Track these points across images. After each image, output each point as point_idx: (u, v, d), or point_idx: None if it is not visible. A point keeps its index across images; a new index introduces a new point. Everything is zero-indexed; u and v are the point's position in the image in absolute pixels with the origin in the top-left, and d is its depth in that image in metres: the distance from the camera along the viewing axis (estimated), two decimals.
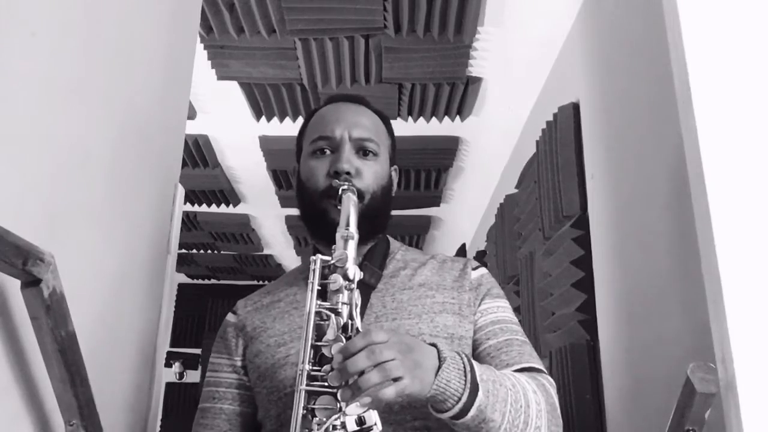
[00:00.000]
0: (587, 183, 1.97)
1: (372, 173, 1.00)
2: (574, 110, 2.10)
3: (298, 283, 1.06)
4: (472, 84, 2.58)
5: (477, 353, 0.97)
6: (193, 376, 6.35)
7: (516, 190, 2.86)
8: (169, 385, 6.24)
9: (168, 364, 6.19)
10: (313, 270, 0.83)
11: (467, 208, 4.02)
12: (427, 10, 2.13)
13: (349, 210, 0.88)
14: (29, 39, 0.84)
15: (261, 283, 6.39)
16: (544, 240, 2.26)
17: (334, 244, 0.85)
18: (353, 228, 0.86)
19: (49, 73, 0.90)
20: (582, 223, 1.96)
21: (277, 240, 5.00)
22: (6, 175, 0.80)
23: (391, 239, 1.10)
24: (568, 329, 1.96)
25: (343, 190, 0.93)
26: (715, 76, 0.99)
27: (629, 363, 1.61)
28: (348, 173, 0.97)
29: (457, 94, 2.64)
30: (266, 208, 4.21)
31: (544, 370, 0.95)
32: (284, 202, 3.94)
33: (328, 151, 1.01)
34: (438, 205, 3.95)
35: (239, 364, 1.03)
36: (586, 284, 1.89)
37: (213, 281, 6.55)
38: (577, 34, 2.16)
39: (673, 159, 1.33)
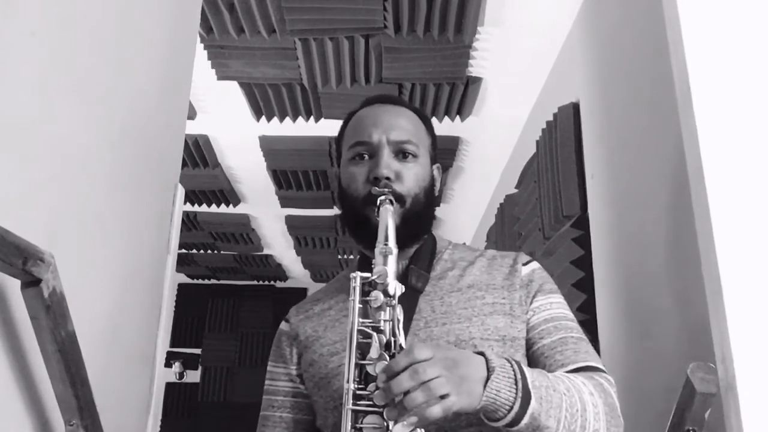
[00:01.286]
0: (587, 183, 1.97)
1: (412, 176, 0.98)
2: (574, 110, 2.10)
3: (346, 290, 1.04)
4: (472, 84, 2.58)
5: (531, 353, 0.95)
6: (193, 376, 6.35)
7: (516, 190, 2.86)
8: (169, 385, 6.24)
9: (168, 364, 6.19)
10: (354, 288, 0.82)
11: (467, 208, 4.02)
12: (427, 10, 2.13)
13: (387, 223, 0.87)
14: (29, 38, 0.84)
15: (261, 283, 6.40)
16: (544, 240, 2.26)
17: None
18: (392, 243, 0.84)
19: (48, 73, 0.90)
20: (582, 223, 1.96)
21: (277, 240, 4.99)
22: (6, 175, 0.80)
23: (438, 237, 1.08)
24: None
25: (380, 200, 0.91)
26: (715, 76, 0.99)
27: (629, 363, 1.61)
28: (388, 178, 0.95)
29: (457, 94, 2.64)
30: (266, 208, 4.21)
31: (602, 367, 0.92)
32: (284, 202, 3.94)
33: (366, 156, 0.99)
34: (438, 205, 3.94)
35: (294, 372, 1.03)
36: (586, 284, 1.89)
37: (213, 281, 6.55)
38: (577, 34, 2.16)
39: (673, 159, 1.33)
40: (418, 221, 0.99)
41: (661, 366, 1.40)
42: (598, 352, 1.80)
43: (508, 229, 2.99)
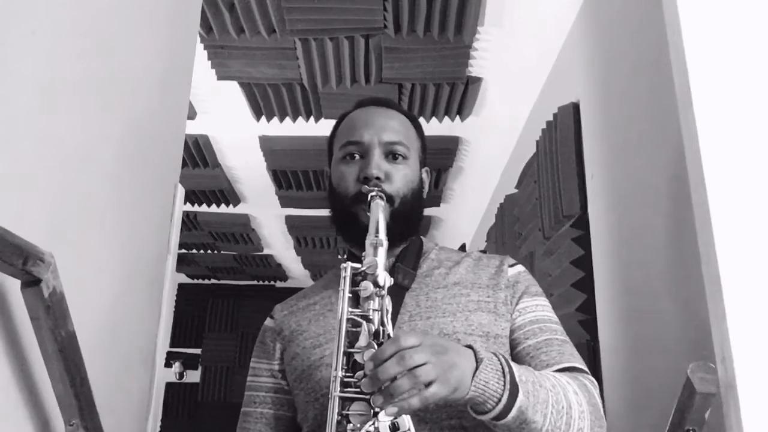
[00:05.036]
0: (587, 183, 1.97)
1: (401, 177, 1.00)
2: (574, 110, 2.10)
3: (333, 286, 1.06)
4: (472, 84, 2.58)
5: (516, 353, 0.95)
6: (193, 376, 6.36)
7: (516, 190, 2.86)
8: (169, 385, 6.24)
9: (168, 364, 6.20)
10: (344, 277, 0.83)
11: (467, 208, 4.02)
12: (427, 10, 2.13)
13: (378, 216, 0.88)
14: (29, 38, 0.84)
15: (261, 283, 6.40)
16: (544, 240, 2.26)
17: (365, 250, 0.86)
18: (382, 235, 0.86)
19: (48, 72, 0.90)
20: (582, 223, 1.96)
21: (277, 240, 5.00)
22: (6, 175, 0.80)
23: (424, 239, 1.10)
24: (568, 329, 1.96)
25: (371, 196, 0.93)
26: (715, 76, 0.99)
27: (629, 363, 1.61)
28: (377, 178, 0.97)
29: (457, 94, 2.64)
30: (266, 208, 4.22)
31: (586, 369, 0.93)
32: (284, 202, 3.94)
33: (357, 156, 1.01)
34: (438, 205, 3.95)
35: (277, 368, 1.03)
36: (586, 284, 1.89)
37: (213, 281, 6.55)
38: (577, 34, 2.16)
39: (673, 159, 1.33)
40: (406, 221, 1.00)
41: (661, 366, 1.40)
42: (599, 351, 1.80)
43: (508, 229, 2.99)
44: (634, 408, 1.56)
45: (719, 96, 0.98)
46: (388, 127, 1.02)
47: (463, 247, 4.32)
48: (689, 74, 0.99)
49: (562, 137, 2.12)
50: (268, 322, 1.09)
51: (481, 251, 3.78)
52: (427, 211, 4.60)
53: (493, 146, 3.16)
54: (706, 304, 0.95)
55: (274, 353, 1.04)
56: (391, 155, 1.01)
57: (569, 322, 1.97)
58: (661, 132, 1.41)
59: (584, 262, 1.91)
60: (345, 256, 1.08)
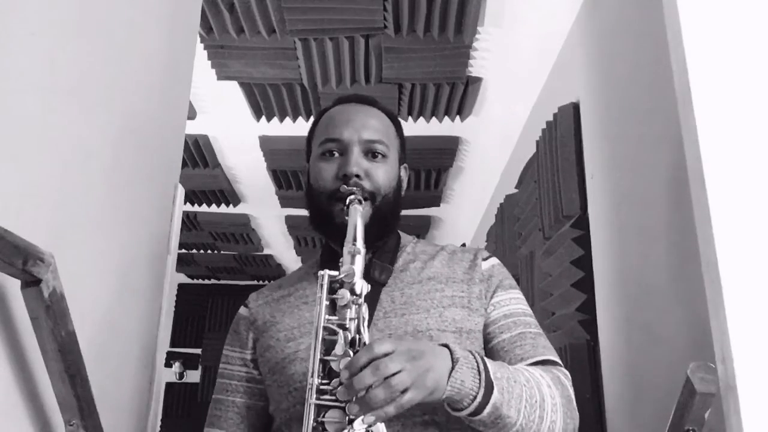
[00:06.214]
0: (587, 183, 1.97)
1: (381, 175, 1.00)
2: (574, 110, 2.10)
3: (308, 278, 1.07)
4: (472, 84, 2.58)
5: (490, 347, 0.96)
6: (193, 376, 6.35)
7: (516, 190, 2.86)
8: (169, 385, 6.24)
9: (168, 364, 6.20)
10: (321, 285, 0.83)
11: (467, 208, 4.02)
12: (427, 10, 2.13)
13: (356, 223, 0.88)
14: (29, 38, 0.84)
15: (261, 283, 6.40)
16: (544, 240, 2.26)
17: (342, 256, 0.85)
18: (360, 243, 0.85)
19: (48, 72, 0.90)
20: (582, 223, 1.96)
21: (277, 240, 5.00)
22: (6, 175, 0.80)
23: (402, 234, 1.10)
24: (568, 329, 1.96)
25: (350, 200, 0.93)
26: (715, 76, 0.99)
27: (629, 363, 1.61)
28: (357, 176, 0.97)
29: (457, 94, 2.64)
30: (266, 208, 4.21)
31: (559, 361, 0.95)
32: (284, 202, 3.94)
33: (336, 154, 1.01)
34: (438, 205, 3.95)
35: (249, 357, 1.04)
36: (586, 284, 1.89)
37: (213, 281, 6.55)
38: (577, 34, 2.16)
39: (673, 159, 1.33)
40: (386, 219, 1.01)
41: (661, 366, 1.40)
42: (599, 351, 1.80)
43: (508, 229, 2.99)
44: (634, 408, 1.56)
45: (719, 96, 0.98)
46: (368, 125, 1.02)
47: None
48: (689, 74, 1.00)
49: (562, 137, 2.12)
50: (242, 311, 1.09)
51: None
52: (427, 211, 4.61)
53: (493, 146, 3.16)
54: (706, 304, 0.95)
55: (247, 342, 1.04)
56: (371, 153, 1.01)
57: (569, 322, 1.97)
58: (661, 132, 1.41)
59: (584, 262, 1.91)
60: (321, 248, 1.08)
